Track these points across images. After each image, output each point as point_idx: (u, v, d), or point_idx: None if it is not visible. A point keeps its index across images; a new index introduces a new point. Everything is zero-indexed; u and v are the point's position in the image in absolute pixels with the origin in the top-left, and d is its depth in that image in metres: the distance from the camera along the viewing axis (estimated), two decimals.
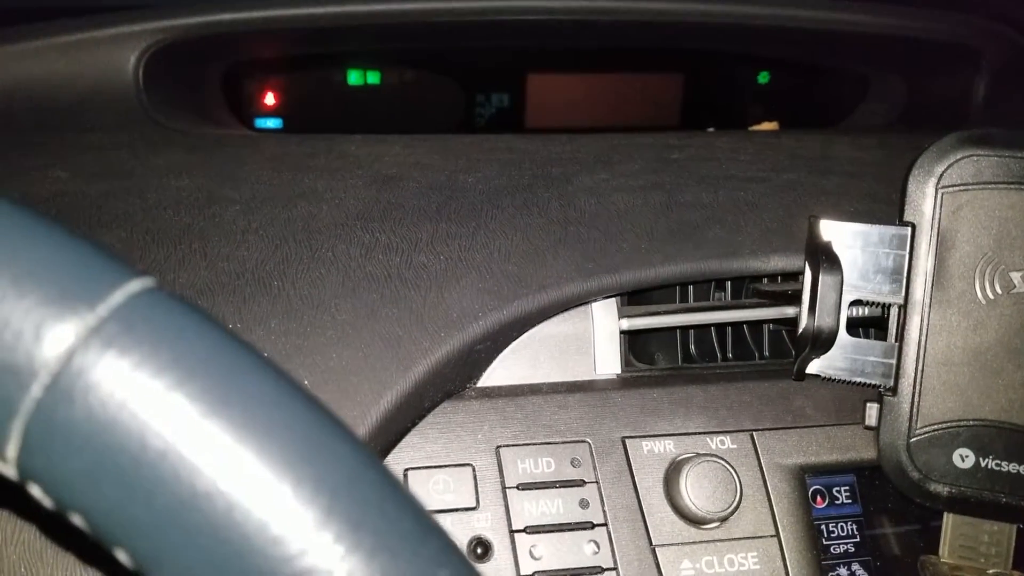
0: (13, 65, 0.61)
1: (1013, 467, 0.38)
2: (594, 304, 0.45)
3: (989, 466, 0.39)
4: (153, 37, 0.62)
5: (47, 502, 0.17)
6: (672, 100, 0.86)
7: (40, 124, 0.60)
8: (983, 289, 0.39)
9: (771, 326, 0.48)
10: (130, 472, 0.15)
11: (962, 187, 0.39)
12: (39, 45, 0.61)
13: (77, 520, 0.17)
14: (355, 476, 0.17)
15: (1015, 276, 0.38)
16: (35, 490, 0.17)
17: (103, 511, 0.16)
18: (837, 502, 0.42)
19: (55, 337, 0.15)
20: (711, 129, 0.82)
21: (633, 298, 0.48)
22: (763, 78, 0.87)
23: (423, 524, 0.17)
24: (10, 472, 0.17)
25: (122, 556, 0.17)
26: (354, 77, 0.80)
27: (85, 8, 0.65)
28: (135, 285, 0.17)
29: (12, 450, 0.16)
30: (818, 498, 0.42)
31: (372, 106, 0.80)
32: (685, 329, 0.49)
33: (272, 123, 0.79)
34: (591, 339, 0.45)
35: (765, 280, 0.48)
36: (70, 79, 0.62)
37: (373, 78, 0.80)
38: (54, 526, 0.32)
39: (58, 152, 0.53)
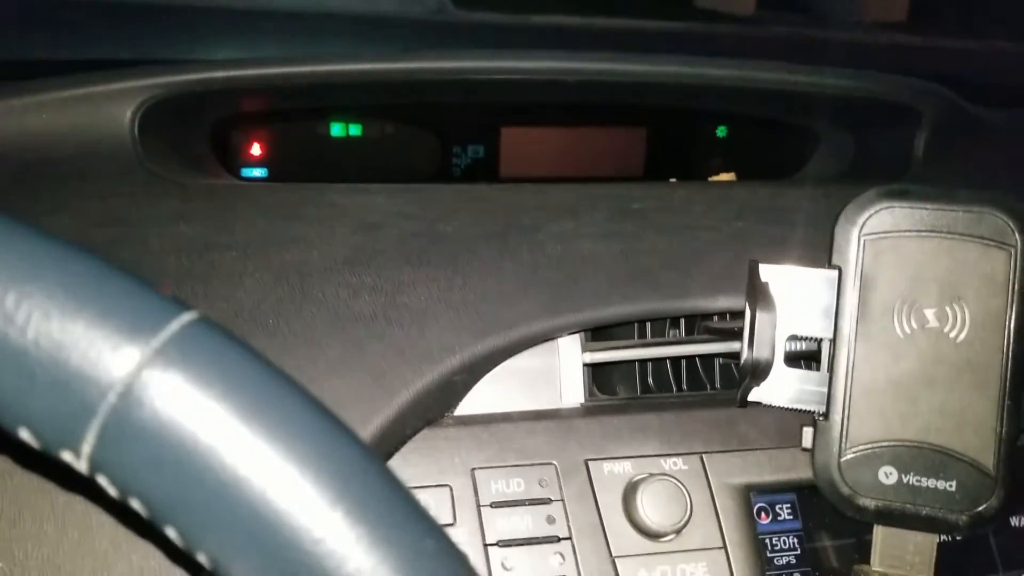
0: (15, 118, 0.63)
1: (931, 482, 0.43)
2: (560, 340, 0.49)
3: (910, 482, 0.43)
4: (148, 93, 0.65)
5: (112, 490, 0.21)
6: (636, 152, 0.90)
7: (42, 174, 0.62)
8: (901, 325, 0.44)
9: (721, 360, 0.53)
10: (185, 461, 0.20)
11: (882, 235, 0.44)
12: (41, 99, 0.63)
13: (136, 504, 0.21)
14: (361, 469, 0.21)
15: (928, 313, 0.43)
16: (102, 481, 0.21)
17: (161, 494, 0.20)
18: (780, 518, 0.46)
19: (128, 356, 0.20)
20: (673, 180, 0.86)
21: (597, 334, 0.52)
22: (722, 132, 0.91)
23: (413, 506, 0.21)
24: (81, 467, 0.21)
25: (172, 533, 0.21)
26: (337, 129, 0.82)
27: (85, 64, 0.68)
28: (187, 316, 0.21)
29: (87, 447, 0.20)
30: (762, 514, 0.46)
31: (354, 156, 0.82)
32: (644, 363, 0.53)
33: (258, 172, 0.81)
34: (558, 371, 0.49)
35: (715, 318, 0.52)
36: (70, 132, 0.64)
37: (355, 130, 0.82)
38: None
39: (62, 201, 0.56)
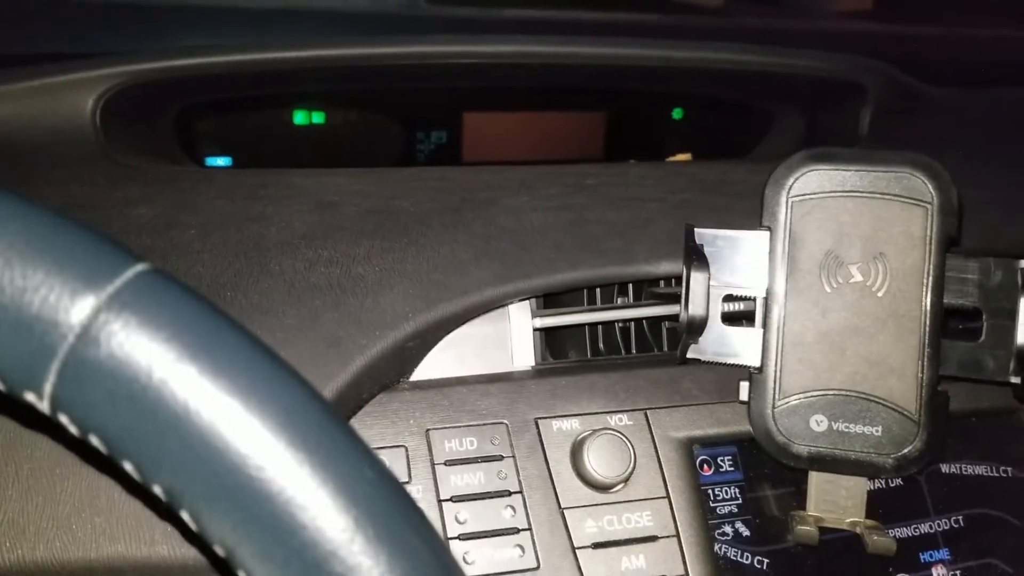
0: None
1: (859, 428, 0.46)
2: (511, 306, 0.51)
3: (839, 428, 0.46)
4: (110, 82, 0.65)
5: (72, 428, 0.23)
6: (596, 135, 0.91)
7: (4, 164, 0.63)
8: (828, 281, 0.46)
9: (667, 324, 0.55)
10: (139, 395, 0.22)
11: (808, 196, 0.47)
12: (2, 91, 0.64)
13: (95, 440, 0.23)
14: (302, 403, 0.23)
15: (852, 268, 0.46)
16: (63, 419, 0.23)
17: (117, 428, 0.22)
18: (721, 470, 0.49)
19: (86, 300, 0.22)
20: (632, 161, 0.89)
21: (548, 301, 0.54)
22: (677, 114, 0.93)
23: (353, 438, 0.24)
24: (43, 406, 0.23)
25: (129, 467, 0.23)
26: (300, 117, 0.82)
27: (46, 56, 0.68)
28: (141, 266, 0.23)
29: (48, 387, 0.22)
30: (705, 466, 0.49)
31: (318, 144, 0.83)
32: (594, 328, 0.55)
33: (222, 161, 0.82)
34: (509, 336, 0.51)
35: (661, 283, 0.55)
36: (32, 121, 0.64)
37: (318, 118, 0.83)
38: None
39: (23, 188, 0.57)
